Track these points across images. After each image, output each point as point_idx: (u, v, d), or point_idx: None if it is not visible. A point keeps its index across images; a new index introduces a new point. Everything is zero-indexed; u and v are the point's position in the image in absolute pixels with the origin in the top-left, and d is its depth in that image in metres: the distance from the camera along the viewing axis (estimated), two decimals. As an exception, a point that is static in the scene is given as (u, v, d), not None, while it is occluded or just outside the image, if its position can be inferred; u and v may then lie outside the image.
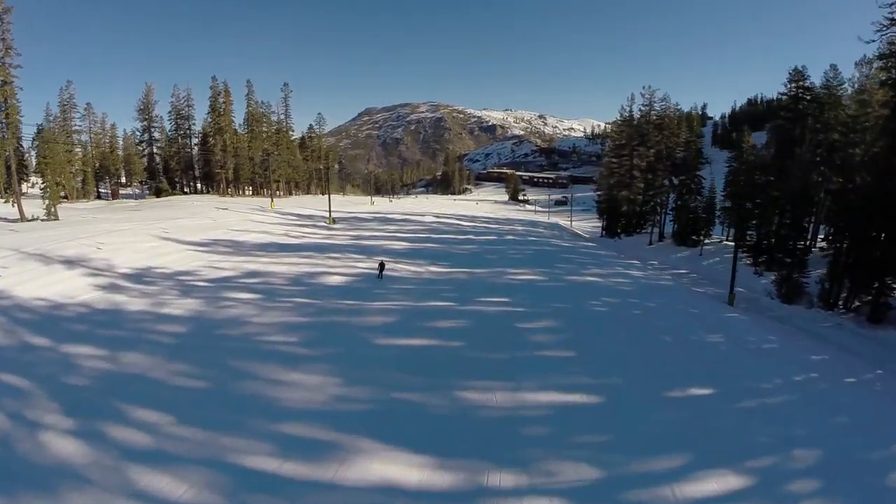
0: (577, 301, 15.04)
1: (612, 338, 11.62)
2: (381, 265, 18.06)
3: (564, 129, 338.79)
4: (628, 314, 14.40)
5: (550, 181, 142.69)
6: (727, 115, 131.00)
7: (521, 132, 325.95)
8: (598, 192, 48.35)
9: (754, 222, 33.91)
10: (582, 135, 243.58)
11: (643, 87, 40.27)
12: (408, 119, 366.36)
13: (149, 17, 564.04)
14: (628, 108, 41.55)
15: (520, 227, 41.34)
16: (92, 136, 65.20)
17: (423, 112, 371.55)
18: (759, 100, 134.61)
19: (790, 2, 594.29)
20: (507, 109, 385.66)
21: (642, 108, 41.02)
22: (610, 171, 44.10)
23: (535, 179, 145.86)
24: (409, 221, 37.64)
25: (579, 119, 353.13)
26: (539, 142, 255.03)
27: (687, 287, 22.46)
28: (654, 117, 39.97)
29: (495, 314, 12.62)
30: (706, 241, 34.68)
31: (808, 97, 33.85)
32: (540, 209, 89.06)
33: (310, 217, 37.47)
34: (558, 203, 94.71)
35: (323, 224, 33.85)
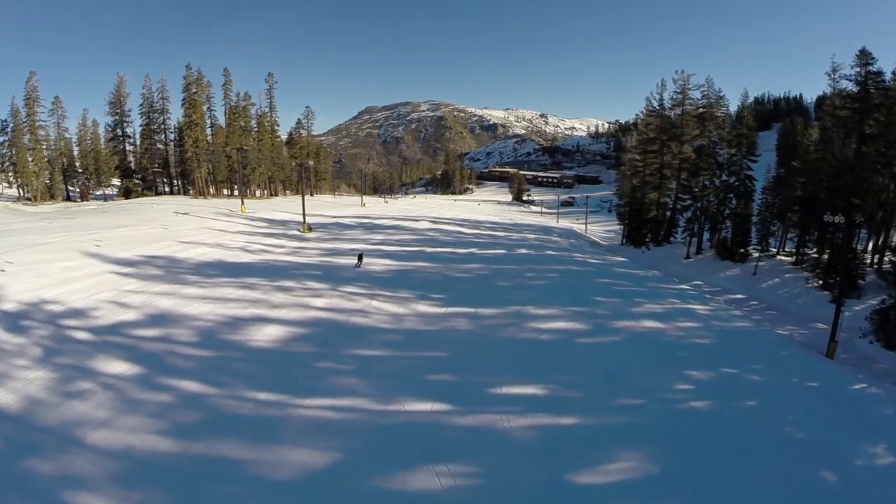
0: (655, 384, 9.14)
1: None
2: (360, 257, 18.60)
3: (566, 129, 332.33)
4: (742, 412, 8.58)
5: (555, 181, 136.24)
6: (734, 114, 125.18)
7: (523, 131, 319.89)
8: (618, 194, 42.28)
9: (816, 235, 28.22)
10: (584, 133, 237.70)
11: (676, 72, 34.18)
12: (408, 118, 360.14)
13: (148, 13, 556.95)
14: (658, 97, 35.24)
15: (531, 236, 35.25)
16: (60, 131, 59.90)
17: (423, 111, 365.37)
18: (766, 98, 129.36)
19: (791, 2, 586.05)
20: (508, 108, 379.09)
21: (675, 96, 35.05)
22: (633, 171, 38.00)
23: (540, 179, 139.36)
24: (399, 229, 31.63)
25: (581, 118, 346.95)
26: (541, 141, 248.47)
27: (770, 330, 16.51)
28: (689, 105, 33.75)
29: (527, 445, 6.60)
30: (757, 255, 28.71)
31: (880, 85, 27.77)
32: (546, 211, 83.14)
33: (283, 223, 31.58)
34: (565, 204, 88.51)
35: (296, 232, 28.02)
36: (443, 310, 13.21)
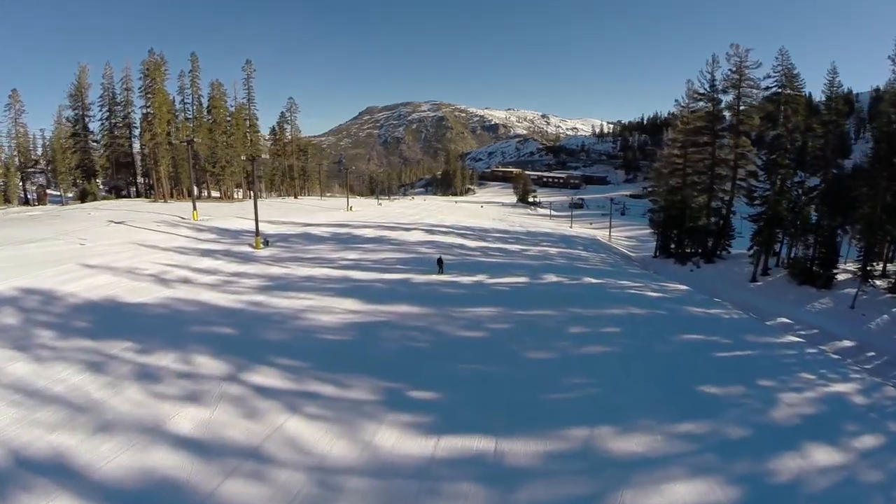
0: None
1: None
2: (440, 261, 17.51)
3: (568, 129, 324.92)
4: None
5: (561, 181, 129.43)
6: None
7: (524, 131, 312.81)
8: (652, 197, 35.40)
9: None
10: (587, 133, 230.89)
11: (730, 46, 27.14)
12: (409, 118, 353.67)
13: (148, 11, 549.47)
14: (708, 76, 28.01)
15: (553, 250, 28.29)
16: (18, 127, 53.62)
17: (424, 111, 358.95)
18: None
19: (791, 3, 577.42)
20: (509, 109, 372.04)
21: (729, 76, 27.53)
22: (671, 169, 31.21)
23: (545, 179, 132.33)
24: (383, 243, 24.82)
25: (582, 118, 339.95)
26: (543, 141, 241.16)
27: None
28: (747, 87, 26.56)
29: None
30: (847, 277, 21.93)
31: None
32: (556, 214, 76.34)
33: (236, 235, 24.97)
34: (574, 206, 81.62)
35: (247, 248, 21.43)
36: (430, 444, 6.47)
